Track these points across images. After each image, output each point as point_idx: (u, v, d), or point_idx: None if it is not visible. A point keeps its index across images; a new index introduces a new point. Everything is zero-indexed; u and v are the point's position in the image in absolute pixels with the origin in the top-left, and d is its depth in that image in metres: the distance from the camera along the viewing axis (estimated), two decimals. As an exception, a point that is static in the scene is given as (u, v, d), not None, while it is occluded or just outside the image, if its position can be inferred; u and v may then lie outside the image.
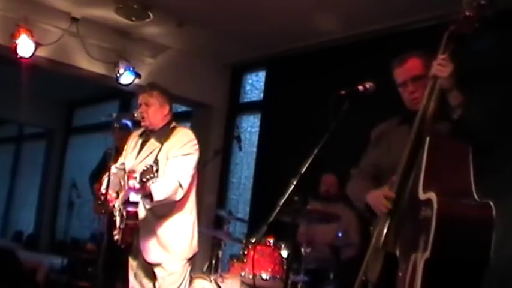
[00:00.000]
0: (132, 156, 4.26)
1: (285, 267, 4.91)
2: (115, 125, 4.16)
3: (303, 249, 5.02)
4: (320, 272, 5.37)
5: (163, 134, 4.17)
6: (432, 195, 2.38)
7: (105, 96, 10.50)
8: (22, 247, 10.31)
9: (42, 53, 6.74)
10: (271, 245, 5.02)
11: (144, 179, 3.62)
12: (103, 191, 4.15)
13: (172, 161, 4.02)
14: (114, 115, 4.28)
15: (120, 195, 4.13)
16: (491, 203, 2.38)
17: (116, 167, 4.37)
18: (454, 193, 2.41)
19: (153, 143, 4.18)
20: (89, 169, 10.63)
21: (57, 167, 11.91)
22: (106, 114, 4.47)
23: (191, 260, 4.24)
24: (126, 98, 9.97)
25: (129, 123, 5.94)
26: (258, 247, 4.92)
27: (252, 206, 7.71)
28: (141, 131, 4.35)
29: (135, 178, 3.73)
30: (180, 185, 3.94)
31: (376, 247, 2.78)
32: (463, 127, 2.69)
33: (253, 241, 5.02)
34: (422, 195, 2.48)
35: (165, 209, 4.06)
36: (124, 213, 4.02)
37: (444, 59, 2.74)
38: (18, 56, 6.48)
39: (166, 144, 4.10)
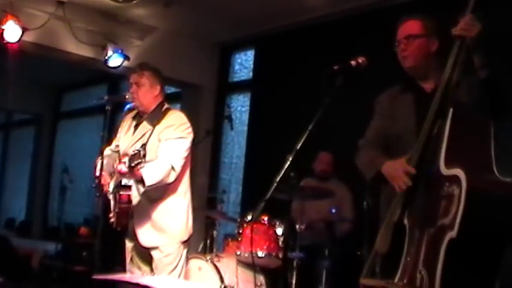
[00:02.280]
0: (126, 139, 4.24)
1: (280, 244, 4.94)
2: (107, 107, 4.13)
3: (297, 226, 5.05)
4: (315, 248, 5.41)
5: (155, 117, 4.13)
6: (459, 173, 2.32)
7: (93, 80, 10.45)
8: (15, 234, 10.31)
9: (29, 37, 6.70)
10: (266, 222, 5.04)
11: (133, 164, 3.61)
12: (97, 173, 4.14)
13: (164, 144, 3.98)
14: (106, 98, 4.26)
15: (113, 179, 4.12)
16: None
17: (110, 149, 4.36)
18: (478, 169, 2.36)
19: (145, 126, 4.14)
20: (80, 154, 10.68)
21: (47, 153, 11.88)
22: (98, 98, 4.45)
23: (186, 243, 4.24)
24: (115, 81, 9.93)
25: None
26: (253, 225, 4.94)
27: (245, 185, 7.74)
28: (134, 113, 4.32)
29: (124, 163, 3.72)
30: (173, 168, 3.91)
31: (391, 220, 2.73)
32: (491, 87, 2.65)
33: (248, 219, 5.04)
34: (445, 171, 2.41)
35: (158, 192, 4.04)
36: (117, 197, 4.02)
37: (471, 18, 2.70)
38: (4, 42, 6.44)
39: (158, 127, 4.06)
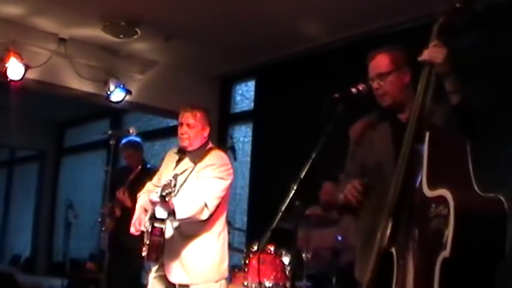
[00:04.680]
0: (168, 174, 4.21)
1: (287, 273, 4.93)
2: (111, 142, 4.15)
3: (304, 255, 5.04)
4: (322, 276, 5.38)
5: (197, 155, 4.14)
6: (445, 192, 2.31)
7: (96, 115, 10.50)
8: (20, 271, 10.27)
9: (31, 75, 6.76)
10: (272, 252, 5.04)
11: (164, 194, 3.61)
12: (138, 210, 4.15)
13: (202, 181, 3.99)
14: (110, 132, 4.29)
15: (149, 211, 4.11)
16: (501, 197, 2.36)
17: (153, 184, 4.36)
18: (460, 187, 2.36)
19: (186, 162, 4.15)
20: (84, 189, 10.69)
21: (51, 189, 11.85)
22: (101, 132, 4.49)
23: (224, 279, 4.21)
24: (117, 116, 9.99)
25: (137, 139, 5.97)
26: (260, 255, 4.93)
27: (249, 216, 7.72)
28: (177, 148, 4.32)
29: (156, 192, 3.71)
30: (206, 205, 3.90)
31: (379, 248, 2.74)
32: (463, 112, 2.69)
33: (254, 249, 5.03)
34: (430, 193, 2.41)
35: (192, 229, 4.03)
36: (150, 229, 4.00)
37: (436, 44, 2.73)
38: (8, 80, 6.49)
39: (199, 165, 4.07)
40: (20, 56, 6.45)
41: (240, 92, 8.46)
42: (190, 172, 4.06)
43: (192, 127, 4.13)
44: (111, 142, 4.19)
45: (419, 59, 2.76)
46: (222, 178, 4.05)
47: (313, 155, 2.84)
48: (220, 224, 4.17)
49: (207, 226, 4.07)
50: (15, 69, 6.46)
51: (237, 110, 8.47)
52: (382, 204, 2.74)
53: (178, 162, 4.22)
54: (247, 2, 6.00)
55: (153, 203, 3.78)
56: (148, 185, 4.29)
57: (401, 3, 5.61)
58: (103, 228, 4.17)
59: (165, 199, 3.65)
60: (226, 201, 4.19)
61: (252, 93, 8.17)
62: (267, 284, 4.87)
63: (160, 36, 6.93)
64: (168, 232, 4.00)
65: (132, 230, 4.12)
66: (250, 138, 8.00)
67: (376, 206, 2.87)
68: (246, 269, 5.03)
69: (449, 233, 2.26)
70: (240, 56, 7.51)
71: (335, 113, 2.92)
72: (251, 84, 8.22)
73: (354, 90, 3.02)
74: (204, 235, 4.08)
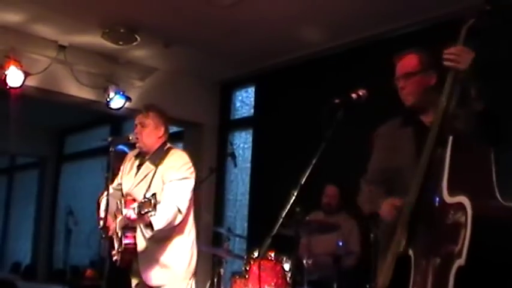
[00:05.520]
0: (129, 178, 4.23)
1: (288, 280, 4.91)
2: (111, 149, 4.13)
3: (304, 261, 5.03)
4: (323, 282, 5.37)
5: (157, 156, 4.13)
6: (464, 200, 2.30)
7: (96, 121, 10.50)
8: (21, 278, 10.25)
9: (31, 82, 6.76)
10: (273, 258, 5.02)
11: (143, 212, 3.60)
12: (102, 214, 4.14)
13: (168, 186, 3.98)
14: (109, 139, 4.26)
15: (118, 219, 4.10)
16: None
17: (113, 187, 4.34)
18: (481, 195, 2.34)
19: (147, 166, 4.14)
20: (84, 195, 10.67)
21: (51, 196, 11.85)
22: (101, 139, 4.46)
23: (193, 276, 4.22)
24: (117, 122, 9.98)
25: (126, 149, 5.94)
26: (260, 261, 4.92)
27: (250, 222, 7.71)
28: (137, 152, 4.32)
29: (133, 209, 3.70)
30: (179, 210, 3.91)
31: (394, 252, 2.71)
32: (488, 118, 2.66)
33: (255, 256, 5.02)
34: (449, 199, 2.40)
35: (163, 233, 4.00)
36: (122, 237, 4.00)
37: (462, 50, 2.72)
38: (7, 87, 6.49)
39: (161, 167, 4.06)
40: (19, 63, 6.46)
41: (240, 98, 8.46)
42: (153, 175, 4.06)
43: (145, 126, 4.16)
44: (110, 149, 4.16)
45: (445, 63, 2.75)
46: (186, 178, 4.04)
47: (314, 161, 2.83)
48: (189, 223, 4.19)
49: (178, 228, 4.07)
50: (14, 77, 6.47)
51: (237, 117, 8.47)
52: (401, 209, 2.74)
53: (139, 167, 4.21)
54: (247, 9, 6.00)
55: (132, 221, 3.79)
56: (109, 189, 4.27)
57: (400, 8, 5.61)
58: (103, 235, 4.13)
59: (143, 216, 3.66)
60: (192, 200, 4.16)
61: (252, 99, 8.18)
62: (268, 290, 4.85)
63: (160, 43, 6.94)
64: (141, 243, 4.00)
65: (101, 224, 4.12)
66: (250, 145, 8.00)
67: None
68: (247, 276, 5.02)
69: (466, 241, 2.24)
70: (240, 62, 7.52)
71: (335, 119, 2.92)
72: (251, 91, 8.23)
73: (353, 95, 3.01)
74: (176, 237, 4.09)
